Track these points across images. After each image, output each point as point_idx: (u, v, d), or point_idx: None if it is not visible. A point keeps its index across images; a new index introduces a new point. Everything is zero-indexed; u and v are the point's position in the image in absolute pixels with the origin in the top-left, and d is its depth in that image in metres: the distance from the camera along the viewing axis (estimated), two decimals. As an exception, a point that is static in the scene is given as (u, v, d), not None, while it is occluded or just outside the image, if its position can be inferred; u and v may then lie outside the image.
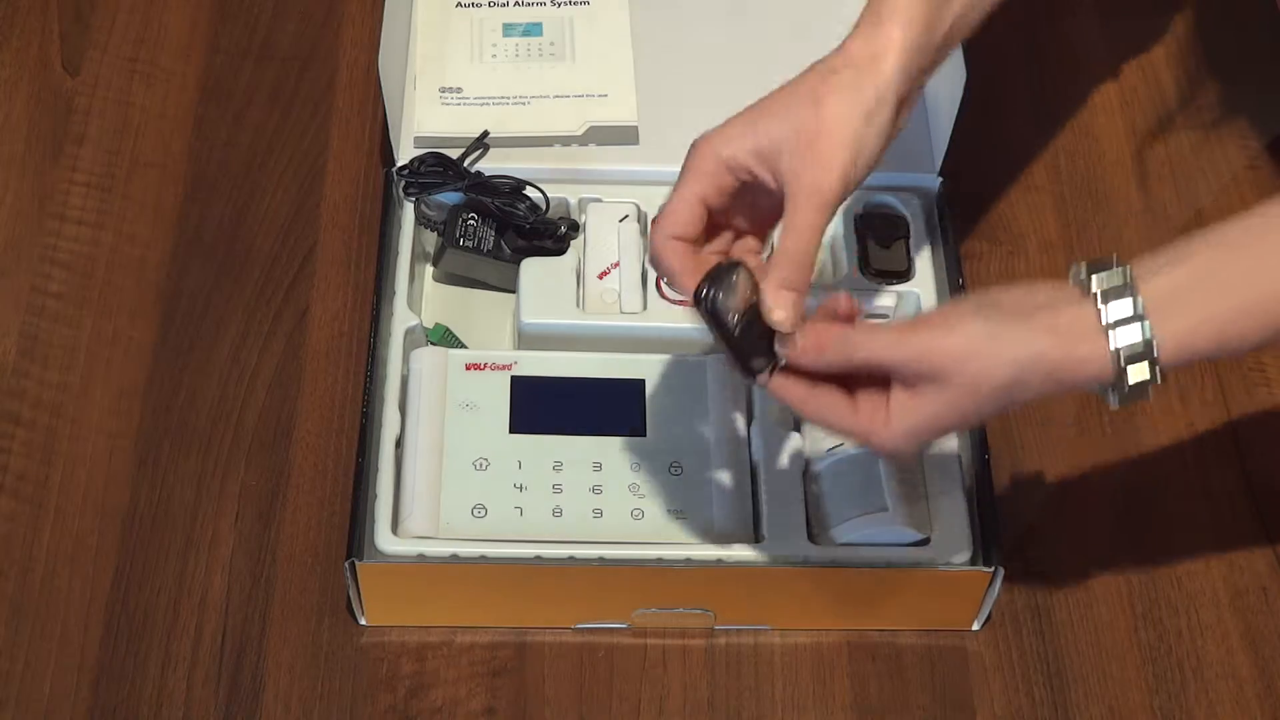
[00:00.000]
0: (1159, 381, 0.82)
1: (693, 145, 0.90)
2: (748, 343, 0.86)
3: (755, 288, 0.86)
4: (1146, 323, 0.81)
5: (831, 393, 0.86)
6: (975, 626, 1.03)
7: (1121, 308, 0.81)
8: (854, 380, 0.86)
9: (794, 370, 0.86)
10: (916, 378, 0.83)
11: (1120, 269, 0.82)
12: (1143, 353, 0.81)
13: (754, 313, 0.86)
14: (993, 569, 0.99)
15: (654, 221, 0.90)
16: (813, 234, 0.86)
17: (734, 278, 0.85)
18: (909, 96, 0.91)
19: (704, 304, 0.85)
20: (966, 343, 0.82)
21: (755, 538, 1.01)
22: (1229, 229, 0.83)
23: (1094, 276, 0.82)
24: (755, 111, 0.89)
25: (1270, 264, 0.82)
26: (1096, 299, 0.82)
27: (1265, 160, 1.25)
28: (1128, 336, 0.81)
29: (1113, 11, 1.33)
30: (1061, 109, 1.27)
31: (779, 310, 0.85)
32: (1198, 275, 0.82)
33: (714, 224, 0.91)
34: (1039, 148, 1.25)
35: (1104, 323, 0.81)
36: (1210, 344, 0.82)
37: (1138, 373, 0.82)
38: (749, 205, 0.91)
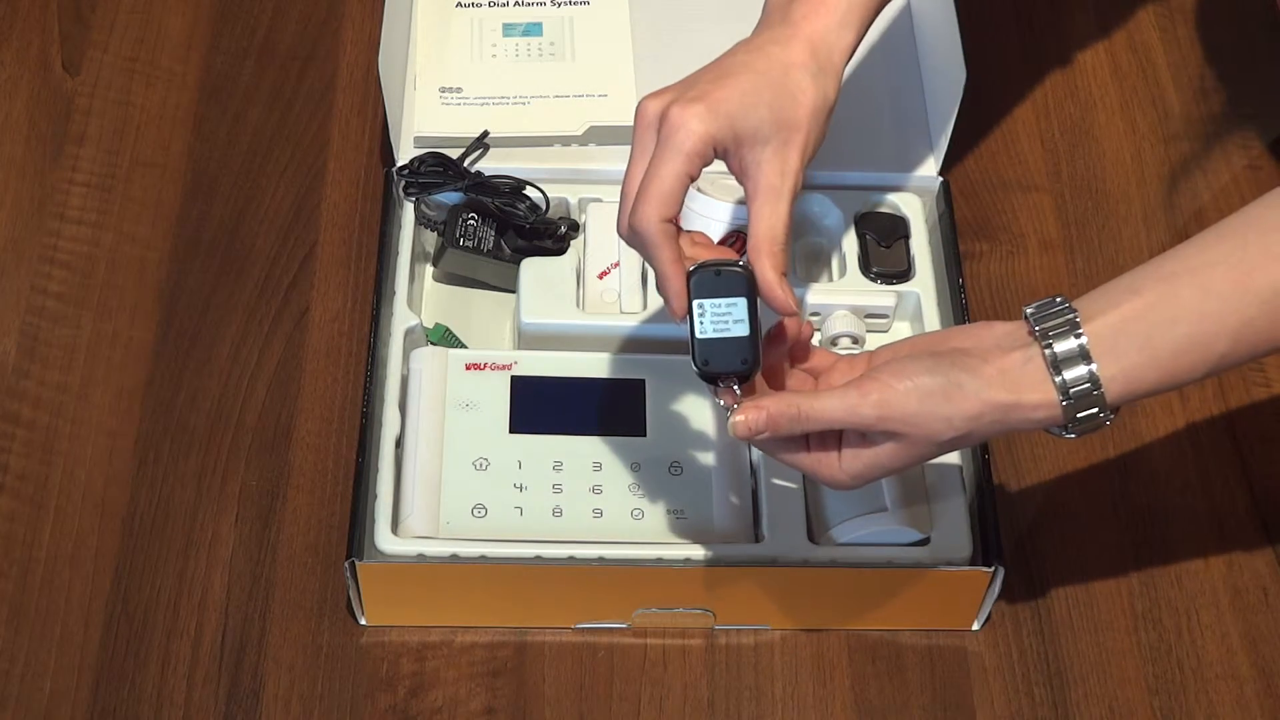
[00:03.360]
0: (1111, 418, 0.84)
1: (666, 115, 0.87)
2: (720, 345, 0.87)
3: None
4: (1093, 365, 0.83)
5: (787, 440, 0.88)
6: (975, 626, 1.03)
7: (1066, 349, 0.83)
8: None
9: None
10: (872, 434, 0.85)
11: (1065, 309, 0.84)
12: (1089, 394, 0.83)
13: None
14: (993, 569, 0.99)
15: (639, 201, 0.87)
16: (789, 220, 0.89)
17: (736, 273, 0.86)
18: None
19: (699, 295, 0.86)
20: (920, 402, 0.83)
21: (755, 538, 1.01)
22: (1169, 261, 0.84)
23: (1039, 318, 0.84)
24: (728, 90, 0.89)
25: (1209, 298, 0.83)
26: (1041, 341, 0.83)
27: (1266, 161, 1.25)
28: (1074, 379, 0.83)
29: (1113, 12, 1.33)
30: (1061, 108, 1.27)
31: (787, 299, 0.87)
32: (1139, 312, 0.83)
33: None
34: (1039, 148, 1.25)
35: (1049, 366, 0.83)
36: (1156, 380, 0.84)
37: (1086, 413, 0.83)
38: None
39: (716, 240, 1.07)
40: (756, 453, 1.03)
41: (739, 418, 0.85)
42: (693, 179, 0.88)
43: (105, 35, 1.28)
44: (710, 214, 1.08)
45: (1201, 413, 1.12)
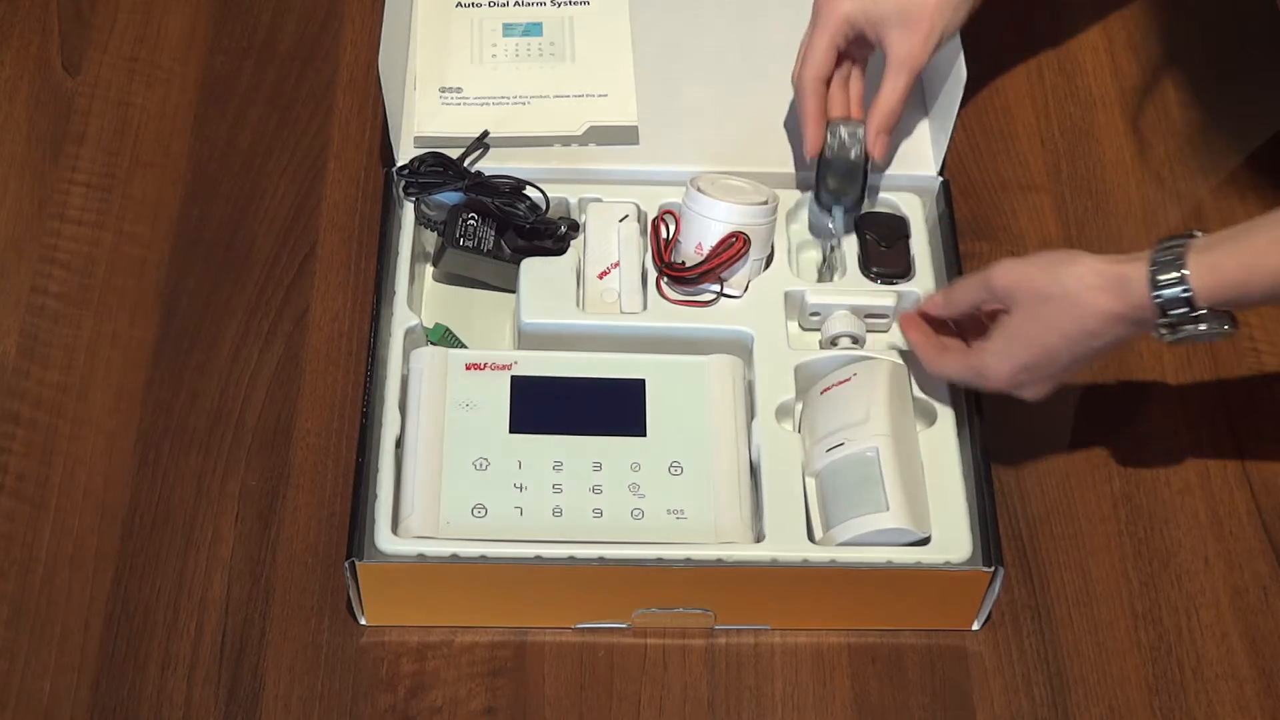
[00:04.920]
0: (1196, 306, 0.92)
1: (816, 1, 1.11)
2: (834, 177, 1.10)
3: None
4: (1186, 254, 0.93)
5: (949, 341, 1.05)
6: (975, 626, 1.03)
7: (1172, 247, 0.94)
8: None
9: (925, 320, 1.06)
10: (1005, 303, 0.99)
11: (1188, 234, 0.95)
12: (1174, 263, 0.93)
13: (846, 157, 1.10)
14: (993, 569, 0.99)
15: (798, 63, 1.11)
16: (905, 93, 1.10)
17: (860, 131, 1.10)
18: None
19: (836, 135, 1.10)
20: (1035, 266, 0.97)
21: (755, 538, 1.01)
22: None
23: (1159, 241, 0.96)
24: None
25: None
26: (1157, 244, 0.95)
27: (1266, 160, 1.25)
28: (1165, 262, 0.93)
29: (1113, 11, 1.33)
30: (1061, 109, 1.27)
31: (880, 147, 1.11)
32: (1239, 227, 0.94)
33: None
34: (1039, 148, 1.25)
35: (1153, 256, 0.94)
36: (1238, 273, 0.92)
37: (1171, 292, 0.93)
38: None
39: (717, 240, 1.07)
40: (756, 453, 1.03)
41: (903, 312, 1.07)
42: (839, 48, 1.10)
43: (105, 35, 1.28)
44: (710, 214, 1.08)
45: (1202, 413, 1.12)
